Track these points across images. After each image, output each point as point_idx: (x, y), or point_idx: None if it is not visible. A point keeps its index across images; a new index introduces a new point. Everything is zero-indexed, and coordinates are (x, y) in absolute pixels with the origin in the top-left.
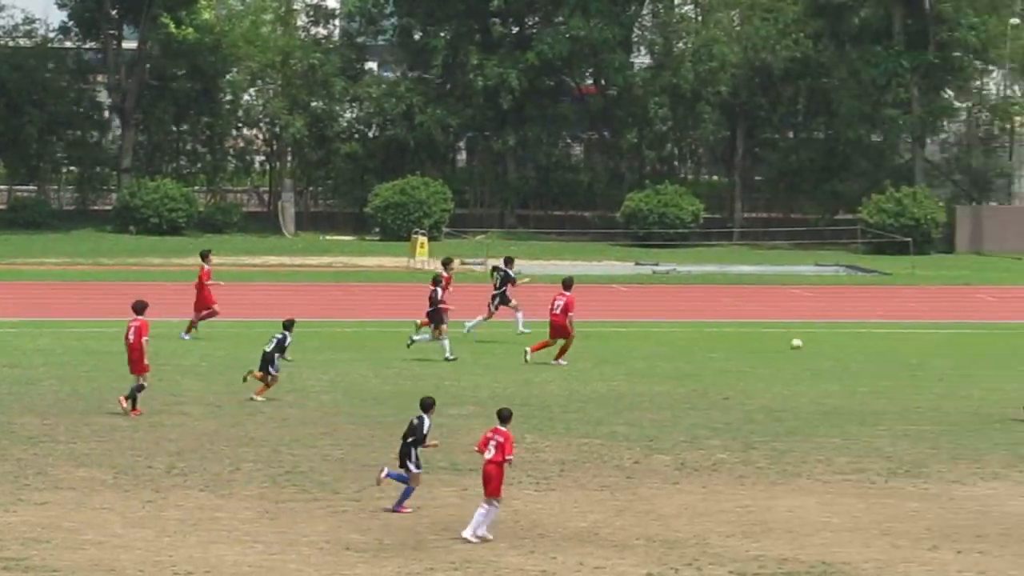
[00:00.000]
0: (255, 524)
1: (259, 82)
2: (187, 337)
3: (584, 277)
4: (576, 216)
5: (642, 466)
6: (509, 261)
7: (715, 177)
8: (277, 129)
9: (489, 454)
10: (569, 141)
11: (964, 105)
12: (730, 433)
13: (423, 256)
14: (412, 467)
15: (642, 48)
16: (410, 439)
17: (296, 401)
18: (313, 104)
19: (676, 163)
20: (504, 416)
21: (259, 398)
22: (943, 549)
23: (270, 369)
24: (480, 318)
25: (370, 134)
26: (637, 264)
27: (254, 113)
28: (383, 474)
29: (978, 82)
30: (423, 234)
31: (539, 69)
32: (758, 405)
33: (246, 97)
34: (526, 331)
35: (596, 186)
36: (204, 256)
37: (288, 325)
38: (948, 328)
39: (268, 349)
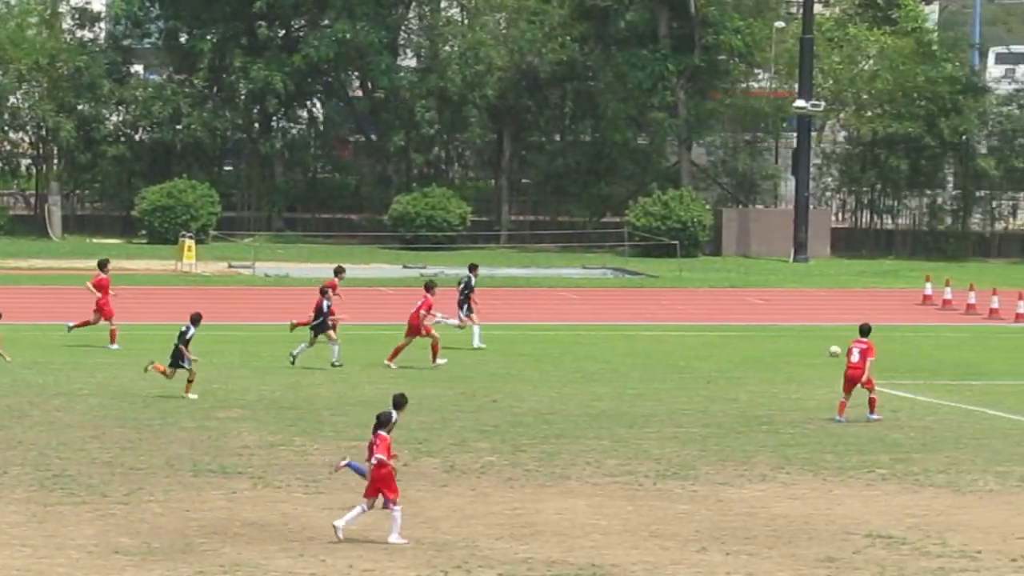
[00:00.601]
0: (23, 528)
1: (25, 85)
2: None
3: (352, 280)
4: (344, 219)
5: (411, 469)
6: (473, 268)
7: (482, 180)
8: (44, 132)
9: (376, 458)
10: (336, 144)
11: (730, 108)
12: (499, 436)
13: (191, 259)
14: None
15: (409, 51)
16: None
17: (64, 404)
18: (80, 107)
19: (443, 166)
20: (383, 421)
21: (191, 395)
22: (712, 551)
23: (181, 363)
24: (476, 328)
25: (137, 137)
26: (405, 267)
27: (20, 116)
28: (343, 463)
29: (744, 85)
30: (190, 237)
31: (305, 72)
32: (527, 408)
33: (12, 100)
34: (482, 346)
35: (363, 189)
36: (102, 265)
37: (195, 319)
38: (715, 330)
39: (176, 343)
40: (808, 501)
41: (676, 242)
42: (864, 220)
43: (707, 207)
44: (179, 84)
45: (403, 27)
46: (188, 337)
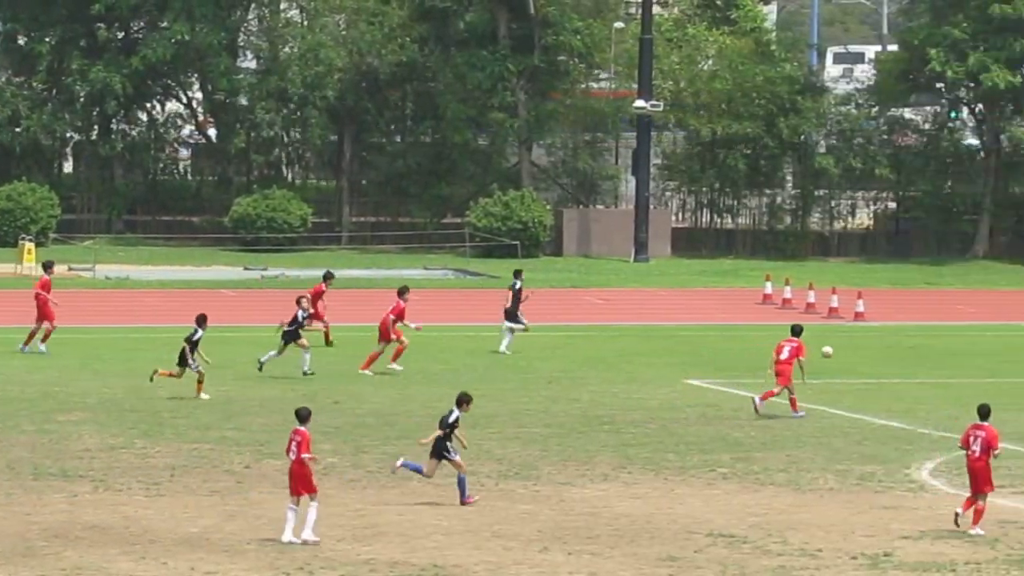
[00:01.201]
0: None
1: None
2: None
3: (193, 282)
4: (184, 221)
5: (253, 471)
6: (518, 273)
7: (323, 181)
8: None
9: (293, 455)
10: (176, 146)
11: (570, 109)
12: (341, 437)
13: (30, 263)
14: (453, 455)
15: (248, 53)
16: (443, 431)
17: None
18: None
19: (284, 167)
20: (302, 416)
21: (203, 395)
22: (554, 551)
23: (189, 364)
24: (509, 336)
25: None
26: (246, 269)
27: None
28: (399, 463)
29: (583, 86)
30: (30, 240)
31: (144, 74)
32: (369, 409)
33: None
34: (507, 352)
35: (204, 191)
36: (46, 267)
37: (200, 321)
38: (556, 331)
39: (184, 345)
40: (650, 500)
41: (517, 243)
42: (704, 220)
43: (548, 207)
44: (18, 87)
45: (242, 29)
46: (196, 340)
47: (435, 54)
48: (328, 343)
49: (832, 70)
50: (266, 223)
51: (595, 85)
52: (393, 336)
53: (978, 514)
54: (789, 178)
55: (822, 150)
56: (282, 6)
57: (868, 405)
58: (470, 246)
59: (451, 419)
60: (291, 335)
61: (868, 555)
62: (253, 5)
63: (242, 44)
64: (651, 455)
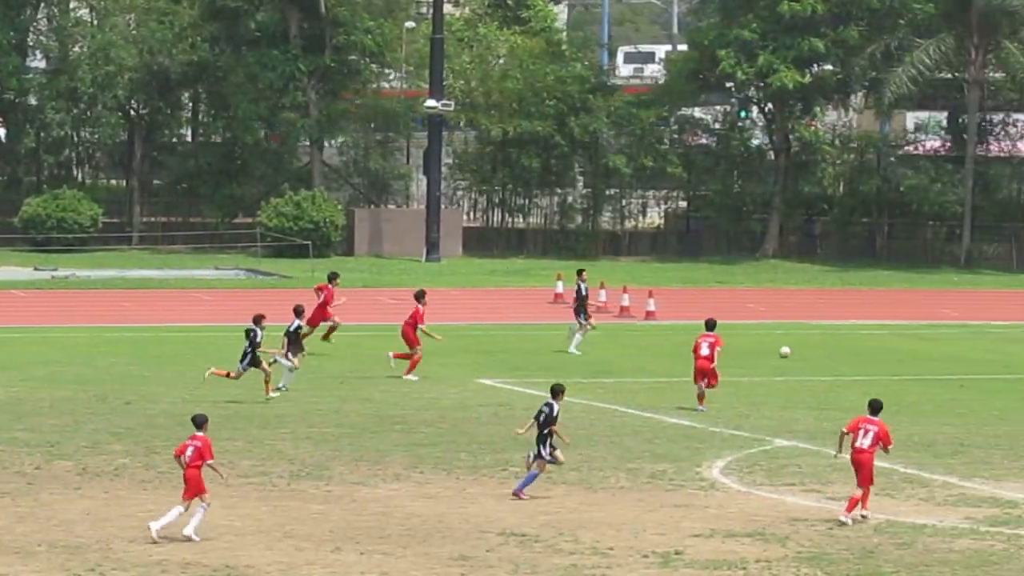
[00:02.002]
0: None
1: None
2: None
3: None
4: None
5: (43, 472)
6: (581, 272)
7: (114, 181)
8: None
9: (186, 459)
10: None
11: (362, 108)
12: (132, 438)
13: None
14: (544, 453)
15: (38, 52)
16: (545, 427)
17: None
18: None
19: (75, 168)
20: (199, 422)
21: (272, 394)
22: (346, 551)
23: (256, 365)
24: (578, 335)
25: None
26: (36, 269)
27: None
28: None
29: (375, 85)
30: None
31: None
32: (160, 410)
33: None
34: (576, 352)
35: None
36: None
37: (258, 320)
38: (348, 330)
39: (246, 347)
40: (442, 500)
41: (309, 242)
42: (496, 219)
43: (339, 207)
44: None
45: (32, 28)
46: (258, 340)
47: (226, 54)
48: (326, 338)
49: (623, 69)
50: (56, 223)
51: (386, 85)
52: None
53: (853, 503)
54: (580, 177)
55: (613, 150)
56: (72, 5)
57: (659, 404)
58: (261, 246)
59: (554, 413)
60: (296, 344)
61: (659, 553)
62: (43, 4)
63: (31, 43)
64: (443, 454)
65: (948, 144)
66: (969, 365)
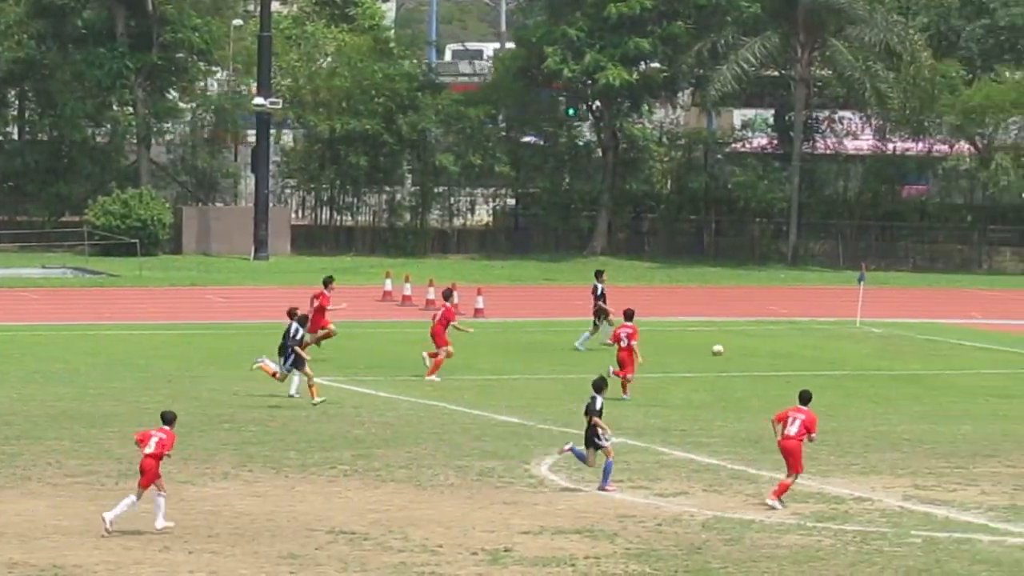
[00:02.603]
0: None
1: None
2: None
3: None
4: None
5: None
6: (599, 274)
7: None
8: None
9: (149, 448)
10: None
11: (189, 106)
12: None
13: None
14: (603, 442)
15: None
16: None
17: None
18: None
19: None
20: (168, 418)
21: (317, 399)
22: (175, 550)
23: (297, 366)
24: (587, 334)
25: None
26: None
27: None
28: (567, 447)
29: (202, 83)
30: None
31: None
32: None
33: None
34: (580, 349)
35: None
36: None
37: (297, 317)
38: (176, 329)
39: (287, 345)
40: (271, 498)
41: (136, 241)
42: (324, 217)
43: (167, 205)
44: None
45: None
46: (299, 337)
47: (53, 51)
48: (317, 343)
49: (451, 67)
50: None
51: (214, 82)
52: (444, 341)
53: (782, 488)
54: (409, 175)
55: (442, 148)
56: None
57: (488, 401)
58: (89, 245)
59: (597, 406)
60: (296, 359)
61: (488, 551)
62: None
63: None
64: (272, 453)
65: (775, 141)
66: (795, 361)
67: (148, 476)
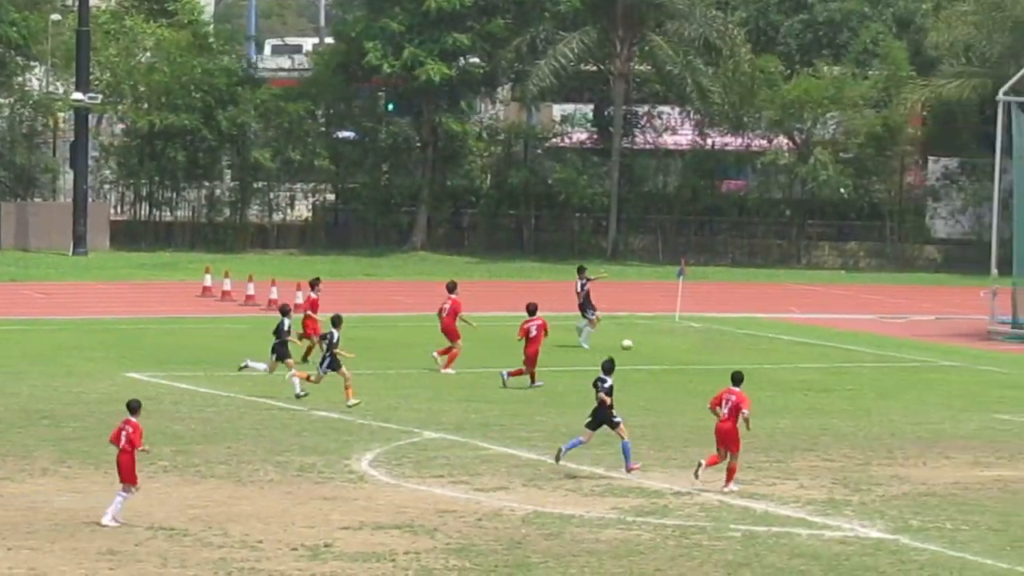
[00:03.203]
0: None
1: None
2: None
3: None
4: None
5: None
6: (581, 270)
7: None
8: None
9: (121, 444)
10: None
11: (7, 101)
12: None
13: None
14: (616, 421)
15: None
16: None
17: None
18: None
19: None
20: (133, 407)
21: (352, 401)
22: None
23: (337, 368)
24: (588, 329)
25: None
26: None
27: None
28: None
29: (20, 78)
30: None
31: None
32: None
33: None
34: (586, 347)
35: None
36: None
37: (336, 321)
38: None
39: (325, 350)
40: (90, 494)
41: None
42: (143, 212)
43: None
44: None
45: None
46: (335, 341)
47: None
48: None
49: (270, 62)
50: None
51: (32, 77)
52: (455, 334)
53: (731, 472)
54: (228, 170)
55: (261, 143)
56: None
57: (308, 397)
58: None
59: (607, 386)
60: (280, 349)
61: (308, 546)
62: None
63: None
64: (91, 449)
65: (595, 136)
66: (615, 355)
67: (124, 473)
